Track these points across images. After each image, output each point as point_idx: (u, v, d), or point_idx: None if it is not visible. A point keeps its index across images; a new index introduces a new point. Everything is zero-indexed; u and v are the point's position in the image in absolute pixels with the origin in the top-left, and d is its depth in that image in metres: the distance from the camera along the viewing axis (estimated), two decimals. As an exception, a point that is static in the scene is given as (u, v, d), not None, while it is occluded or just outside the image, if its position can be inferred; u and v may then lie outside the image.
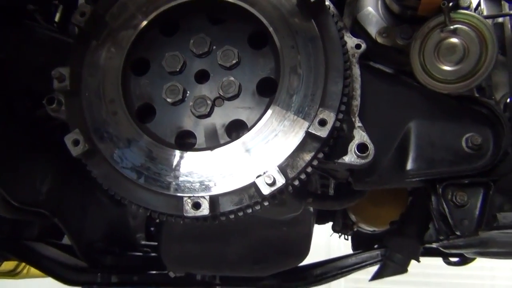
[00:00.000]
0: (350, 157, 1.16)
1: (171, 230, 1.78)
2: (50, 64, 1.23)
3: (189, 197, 1.07)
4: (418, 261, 1.72)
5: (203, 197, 1.07)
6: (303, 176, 1.09)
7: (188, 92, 1.20)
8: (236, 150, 1.11)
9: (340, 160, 1.17)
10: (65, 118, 1.22)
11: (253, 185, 1.07)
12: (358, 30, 1.35)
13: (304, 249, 1.84)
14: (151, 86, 1.22)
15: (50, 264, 2.09)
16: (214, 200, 1.08)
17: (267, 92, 1.18)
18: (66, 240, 2.14)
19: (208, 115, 1.17)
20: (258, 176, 1.07)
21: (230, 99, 1.17)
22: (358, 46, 1.24)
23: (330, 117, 1.07)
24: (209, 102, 1.17)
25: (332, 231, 2.09)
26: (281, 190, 1.06)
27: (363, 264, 2.15)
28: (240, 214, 1.10)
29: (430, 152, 1.22)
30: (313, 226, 1.87)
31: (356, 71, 1.22)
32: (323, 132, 1.06)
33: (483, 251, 1.36)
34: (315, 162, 1.09)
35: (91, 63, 1.22)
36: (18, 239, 2.04)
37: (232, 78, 1.17)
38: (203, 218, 1.08)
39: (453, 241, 1.25)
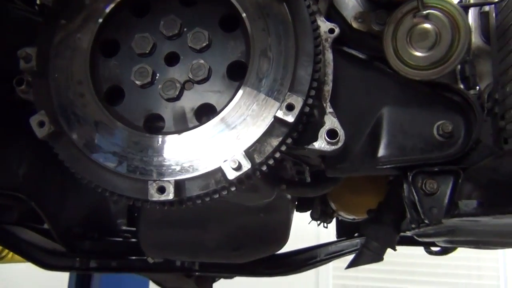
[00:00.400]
0: (320, 143, 1.15)
1: (149, 216, 1.77)
2: (21, 43, 1.21)
3: (154, 180, 1.06)
4: (394, 249, 1.72)
5: (168, 181, 1.06)
6: (271, 162, 1.08)
7: (158, 74, 1.18)
8: (204, 134, 1.10)
9: (310, 146, 1.16)
10: (32, 99, 1.20)
11: (219, 169, 1.06)
12: (334, 14, 1.33)
13: (283, 236, 1.84)
14: (120, 68, 1.20)
15: (28, 248, 2.07)
16: (179, 185, 1.07)
17: (238, 76, 1.16)
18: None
19: (177, 98, 1.15)
20: (224, 161, 1.05)
21: (200, 82, 1.15)
22: (331, 31, 1.22)
23: (298, 101, 1.05)
24: (178, 85, 1.15)
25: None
26: (248, 175, 1.05)
27: (342, 252, 2.16)
28: (207, 199, 1.09)
29: (402, 139, 1.21)
30: (292, 213, 1.86)
31: (329, 56, 1.20)
32: (290, 117, 1.05)
33: (452, 239, 1.36)
34: (283, 148, 1.08)
35: (59, 43, 1.20)
36: (-4, 223, 2.02)
37: (202, 61, 1.15)
38: (168, 203, 1.07)
39: (424, 230, 1.24)
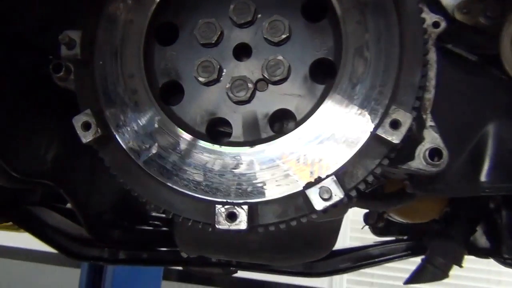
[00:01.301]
0: (418, 163, 0.95)
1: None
2: (58, 18, 1.01)
3: (223, 204, 0.88)
4: (461, 266, 1.55)
5: (240, 205, 0.87)
6: (362, 187, 0.89)
7: (225, 70, 0.97)
8: (282, 148, 0.90)
9: (405, 166, 0.96)
10: (74, 91, 1.01)
11: (302, 195, 0.87)
12: (430, 3, 1.10)
13: (331, 243, 1.67)
14: (180, 59, 1.00)
15: (53, 235, 1.93)
16: (253, 210, 0.88)
17: (323, 77, 0.95)
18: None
19: (248, 101, 0.95)
20: (309, 185, 0.86)
21: (277, 83, 0.95)
22: (436, 25, 1.00)
23: (405, 118, 0.85)
24: (250, 85, 0.95)
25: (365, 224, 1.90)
26: (335, 205, 0.86)
27: (390, 257, 1.99)
28: (282, 227, 0.91)
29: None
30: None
31: (432, 55, 0.98)
32: (395, 137, 0.85)
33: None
34: (378, 170, 0.89)
35: (108, 27, 0.99)
36: (19, 204, 1.87)
37: (280, 57, 0.94)
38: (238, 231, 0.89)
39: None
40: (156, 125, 0.94)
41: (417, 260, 1.74)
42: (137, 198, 0.95)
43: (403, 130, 0.84)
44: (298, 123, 0.92)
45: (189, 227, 0.91)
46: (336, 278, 5.14)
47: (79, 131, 0.93)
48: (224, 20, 0.98)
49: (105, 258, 1.94)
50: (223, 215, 0.87)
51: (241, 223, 0.86)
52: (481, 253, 1.56)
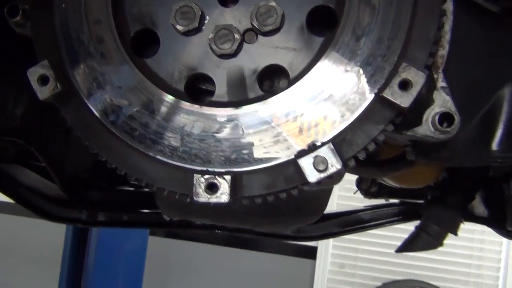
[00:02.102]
0: (425, 129, 0.84)
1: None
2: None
3: (202, 173, 0.76)
4: (456, 234, 1.47)
5: (222, 175, 0.76)
6: (361, 155, 0.78)
7: (208, 18, 0.83)
8: (272, 109, 0.78)
9: (410, 132, 0.85)
10: (32, 40, 0.87)
11: (294, 164, 0.76)
12: None
13: (321, 208, 1.58)
14: (155, 3, 0.85)
15: (28, 195, 1.81)
16: (236, 180, 0.77)
17: (322, 28, 0.82)
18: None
19: (234, 54, 0.82)
20: (302, 153, 0.75)
21: (268, 33, 0.81)
22: (453, -32, 0.86)
23: (417, 77, 0.73)
24: (237, 35, 0.81)
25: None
26: (331, 176, 0.75)
27: (381, 222, 1.91)
28: (270, 199, 0.80)
29: None
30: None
31: (449, 5, 0.85)
32: (404, 100, 0.73)
33: None
34: (381, 137, 0.77)
35: (68, -38, 0.84)
36: (-11, 162, 1.74)
37: (272, 3, 0.80)
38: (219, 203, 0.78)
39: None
40: (126, 81, 0.81)
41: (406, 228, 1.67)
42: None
43: (414, 91, 0.72)
44: (292, 81, 0.79)
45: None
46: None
47: (35, 85, 0.79)
48: (206, -43, 0.83)
49: (83, 220, 1.83)
50: (202, 186, 0.75)
51: (223, 195, 0.75)
52: (479, 221, 1.49)
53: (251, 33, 0.83)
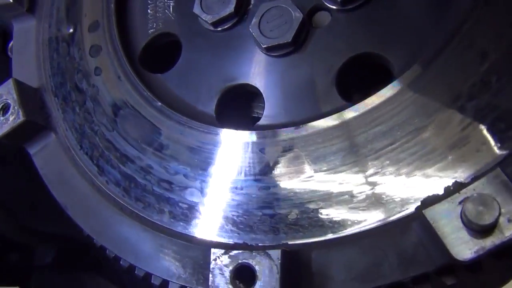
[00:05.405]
0: None
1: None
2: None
3: (226, 248, 0.38)
4: None
5: (267, 253, 0.37)
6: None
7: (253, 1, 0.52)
8: (360, 126, 0.40)
9: None
10: None
11: (419, 221, 0.35)
12: None
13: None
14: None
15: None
16: (293, 263, 0.37)
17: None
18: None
19: (295, 50, 0.48)
20: (428, 201, 0.34)
21: (350, 10, 0.47)
22: None
23: None
24: (297, 14, 0.47)
25: None
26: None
27: None
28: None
29: None
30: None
31: None
32: None
33: None
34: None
35: None
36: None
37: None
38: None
39: None
40: (127, 107, 0.50)
41: None
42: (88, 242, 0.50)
43: None
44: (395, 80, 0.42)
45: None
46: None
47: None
48: None
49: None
50: (227, 275, 0.37)
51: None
52: None
53: (322, 13, 0.49)
